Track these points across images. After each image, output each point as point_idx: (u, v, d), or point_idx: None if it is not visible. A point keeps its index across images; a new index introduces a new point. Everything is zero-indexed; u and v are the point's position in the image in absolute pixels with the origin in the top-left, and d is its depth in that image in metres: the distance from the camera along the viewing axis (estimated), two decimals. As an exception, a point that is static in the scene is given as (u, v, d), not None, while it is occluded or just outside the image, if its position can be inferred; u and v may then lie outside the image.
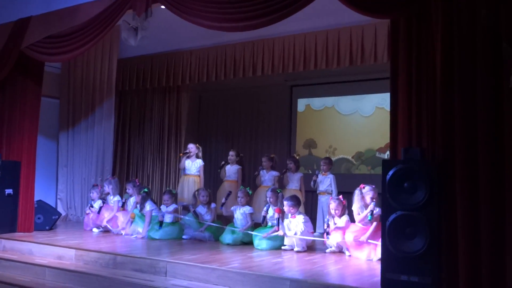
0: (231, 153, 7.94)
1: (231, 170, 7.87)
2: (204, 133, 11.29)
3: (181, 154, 8.23)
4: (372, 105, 9.49)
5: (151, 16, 5.72)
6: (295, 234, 5.90)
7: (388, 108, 4.63)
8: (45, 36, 6.61)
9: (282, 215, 6.18)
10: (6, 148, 7.04)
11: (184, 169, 8.04)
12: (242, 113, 10.97)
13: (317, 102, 10.23)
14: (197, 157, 8.03)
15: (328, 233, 5.90)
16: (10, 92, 7.16)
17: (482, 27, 3.77)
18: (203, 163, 8.03)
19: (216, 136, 11.18)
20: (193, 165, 7.97)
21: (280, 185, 7.54)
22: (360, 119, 9.66)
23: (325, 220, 6.19)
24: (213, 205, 6.99)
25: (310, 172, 7.71)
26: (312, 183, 7.46)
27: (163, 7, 5.75)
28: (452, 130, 3.91)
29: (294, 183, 7.48)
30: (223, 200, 6.89)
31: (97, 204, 7.55)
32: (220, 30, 5.79)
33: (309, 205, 8.35)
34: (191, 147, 8.03)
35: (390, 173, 4.08)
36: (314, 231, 6.51)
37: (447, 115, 3.94)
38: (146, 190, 7.19)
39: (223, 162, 8.05)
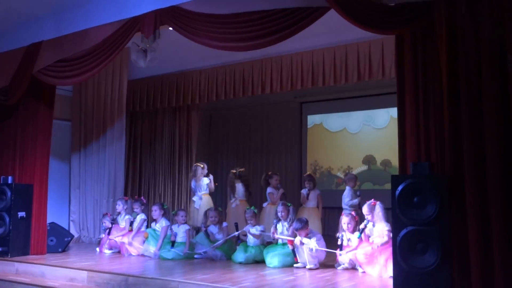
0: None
1: (238, 189, 7.84)
2: (215, 152, 11.34)
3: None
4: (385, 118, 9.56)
5: (160, 37, 5.80)
6: (311, 250, 5.85)
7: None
8: (56, 60, 6.71)
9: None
10: (19, 171, 7.11)
11: (195, 190, 8.06)
12: (252, 131, 11.01)
13: (326, 119, 10.26)
14: (204, 175, 8.05)
15: (341, 248, 5.86)
16: (22, 115, 7.26)
17: (486, 39, 3.77)
18: (209, 180, 8.03)
19: (227, 154, 11.21)
20: (201, 184, 7.99)
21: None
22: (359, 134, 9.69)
23: (338, 236, 6.15)
24: (224, 224, 6.98)
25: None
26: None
27: (170, 28, 5.83)
28: (460, 143, 3.89)
29: (311, 201, 7.45)
30: (236, 234, 6.77)
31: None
32: (227, 50, 5.85)
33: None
34: (194, 168, 8.07)
35: (400, 188, 4.07)
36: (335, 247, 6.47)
37: (455, 129, 3.94)
38: (165, 206, 7.41)
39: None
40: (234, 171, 8.01)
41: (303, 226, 5.96)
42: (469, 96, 3.87)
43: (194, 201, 8.01)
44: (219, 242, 6.71)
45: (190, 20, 5.59)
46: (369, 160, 9.62)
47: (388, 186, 9.12)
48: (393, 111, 9.00)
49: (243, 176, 7.98)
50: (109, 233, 7.43)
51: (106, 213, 7.85)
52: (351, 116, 9.94)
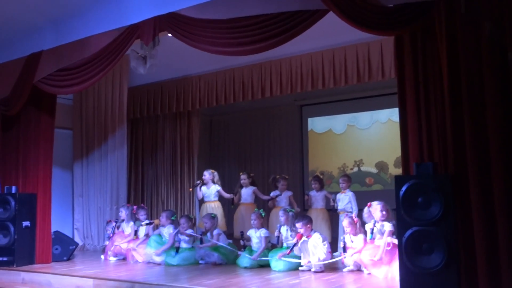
0: (242, 176, 7.85)
1: (246, 192, 7.79)
2: (216, 156, 11.35)
3: (191, 189, 8.12)
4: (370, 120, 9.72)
5: (159, 44, 5.82)
6: (318, 259, 5.83)
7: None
8: (56, 69, 6.72)
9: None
10: (22, 181, 7.11)
11: (203, 197, 8.02)
12: (253, 135, 11.02)
13: (324, 121, 10.29)
14: (213, 182, 8.00)
15: (345, 251, 5.85)
16: (24, 125, 7.27)
17: (486, 38, 3.78)
18: (219, 188, 7.95)
19: (228, 159, 11.22)
20: (210, 191, 7.94)
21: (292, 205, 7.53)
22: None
23: (341, 238, 6.15)
24: (217, 231, 6.94)
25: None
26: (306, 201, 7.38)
27: (170, 34, 5.85)
28: (463, 142, 3.89)
29: (319, 202, 7.40)
30: (241, 243, 6.78)
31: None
32: (226, 55, 5.89)
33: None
34: (205, 174, 8.04)
35: (404, 188, 4.07)
36: (336, 250, 6.48)
37: (457, 128, 3.93)
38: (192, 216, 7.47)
39: (236, 188, 7.86)
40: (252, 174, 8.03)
41: (305, 222, 5.94)
42: (470, 95, 3.87)
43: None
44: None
45: (189, 26, 5.60)
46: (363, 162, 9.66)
47: (376, 187, 9.23)
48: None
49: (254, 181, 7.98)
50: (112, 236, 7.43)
51: (110, 220, 7.86)
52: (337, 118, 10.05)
